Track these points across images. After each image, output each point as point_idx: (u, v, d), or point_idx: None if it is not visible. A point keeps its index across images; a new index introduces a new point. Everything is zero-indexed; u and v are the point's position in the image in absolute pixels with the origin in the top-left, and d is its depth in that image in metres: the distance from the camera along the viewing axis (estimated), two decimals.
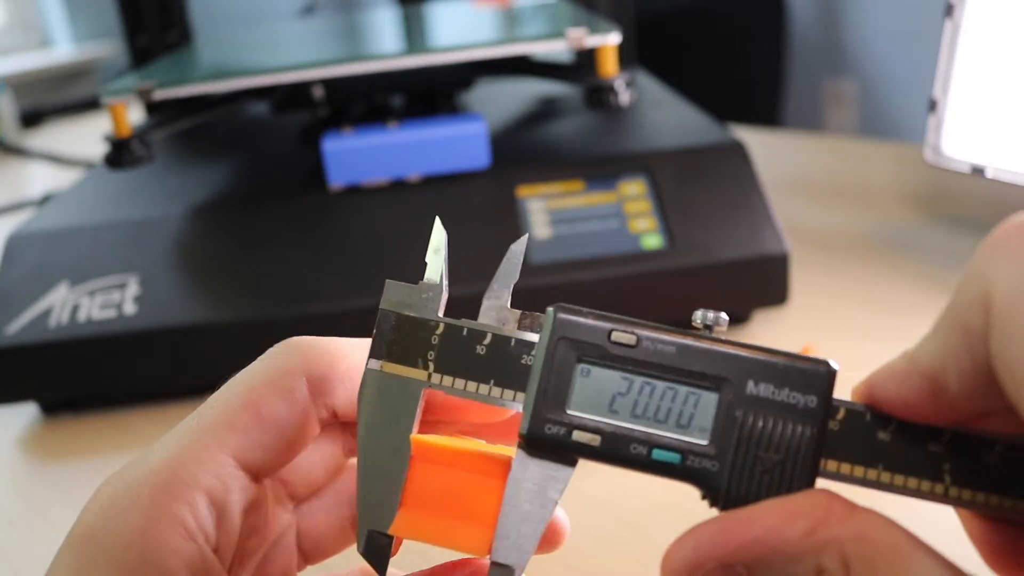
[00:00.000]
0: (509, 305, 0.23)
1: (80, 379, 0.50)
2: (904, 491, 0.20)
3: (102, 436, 0.50)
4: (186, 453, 0.22)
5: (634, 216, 0.53)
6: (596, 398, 0.21)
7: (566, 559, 0.37)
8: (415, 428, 0.22)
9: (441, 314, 0.23)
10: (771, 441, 0.20)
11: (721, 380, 0.20)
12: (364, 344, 0.24)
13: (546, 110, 0.70)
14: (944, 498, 0.20)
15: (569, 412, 0.21)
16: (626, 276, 0.50)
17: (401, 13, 0.84)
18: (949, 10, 0.54)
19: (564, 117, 0.67)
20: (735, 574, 0.18)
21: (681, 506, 0.39)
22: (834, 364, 0.20)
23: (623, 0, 0.80)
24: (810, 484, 0.19)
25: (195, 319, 0.49)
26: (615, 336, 0.21)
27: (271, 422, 0.22)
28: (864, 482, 0.20)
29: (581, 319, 0.21)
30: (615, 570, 0.36)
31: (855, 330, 0.53)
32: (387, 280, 0.23)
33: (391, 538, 0.22)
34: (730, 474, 0.20)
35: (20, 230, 0.54)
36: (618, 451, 0.20)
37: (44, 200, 0.88)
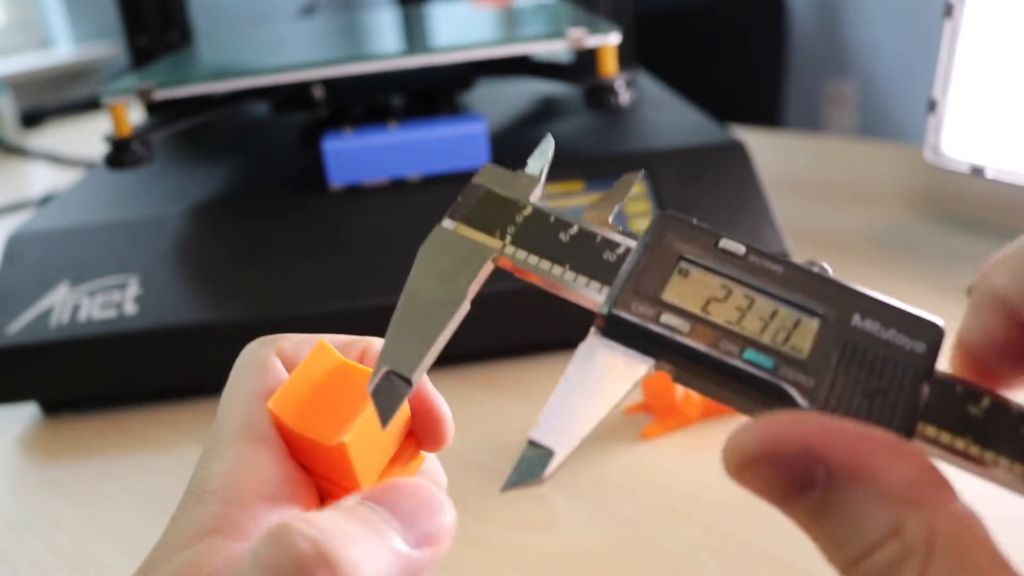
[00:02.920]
0: (610, 221, 0.22)
1: (80, 379, 0.50)
2: (995, 469, 0.19)
3: (102, 436, 0.50)
4: (219, 523, 0.21)
5: (634, 216, 0.53)
6: (691, 296, 0.19)
7: (567, 559, 0.37)
8: (473, 291, 0.21)
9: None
10: (872, 370, 0.18)
11: (827, 308, 0.19)
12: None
13: (546, 110, 0.70)
14: None
15: (661, 298, 0.19)
16: None
17: (401, 13, 0.84)
18: (949, 10, 0.54)
19: (564, 117, 0.67)
20: (813, 472, 0.16)
21: (681, 507, 0.39)
22: (943, 324, 0.19)
23: (623, 0, 0.80)
24: (911, 425, 0.18)
25: (195, 319, 0.50)
26: (723, 244, 0.20)
27: (267, 443, 0.22)
28: (952, 451, 0.19)
29: (690, 225, 0.21)
30: (616, 571, 0.36)
31: None
32: (486, 163, 0.23)
33: (409, 384, 0.20)
34: (827, 393, 0.18)
35: (21, 230, 0.54)
36: (705, 347, 0.19)
37: (45, 200, 0.88)
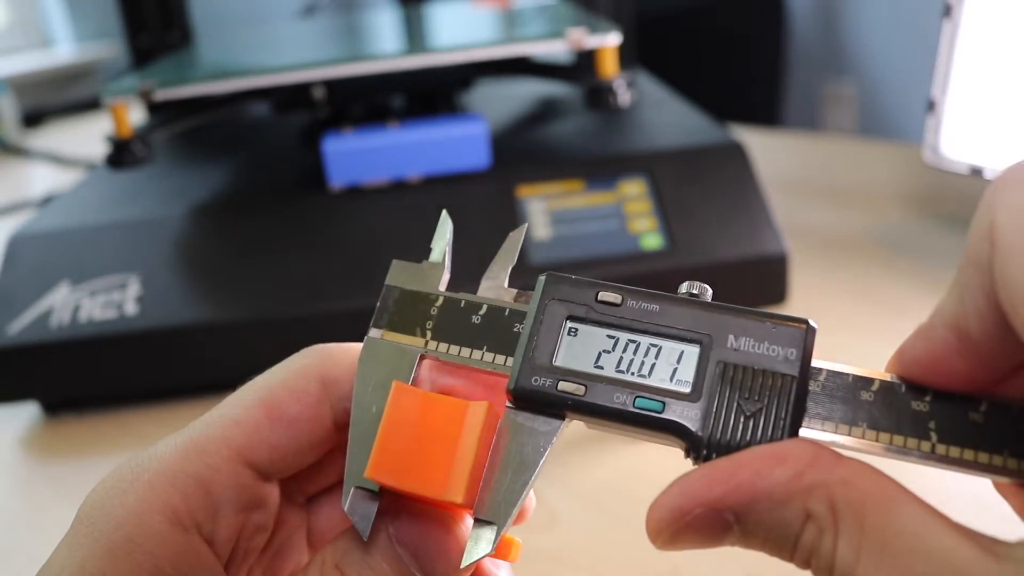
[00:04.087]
0: (506, 285, 0.24)
1: (81, 379, 0.51)
2: (890, 451, 0.20)
3: (103, 436, 0.50)
4: (192, 445, 0.22)
5: (634, 216, 0.53)
6: (582, 354, 0.21)
7: (567, 558, 0.37)
8: None
9: (442, 290, 0.24)
10: (752, 390, 0.20)
11: (703, 336, 0.21)
12: None
13: (546, 110, 0.70)
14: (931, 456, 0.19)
15: (556, 365, 0.21)
16: (626, 276, 0.50)
17: (401, 13, 0.84)
18: (948, 10, 0.54)
19: (564, 117, 0.67)
20: (722, 520, 0.18)
21: None
22: (813, 323, 0.20)
23: (623, 0, 0.80)
24: (793, 434, 0.19)
25: (196, 319, 0.50)
26: (602, 296, 0.22)
27: (282, 421, 0.23)
28: (852, 443, 0.20)
29: (570, 283, 0.22)
30: (615, 570, 0.36)
31: (854, 330, 0.53)
32: (394, 260, 0.24)
33: (377, 496, 0.22)
34: (713, 422, 0.20)
35: (22, 230, 0.54)
36: (602, 401, 0.21)
37: (45, 200, 0.88)
